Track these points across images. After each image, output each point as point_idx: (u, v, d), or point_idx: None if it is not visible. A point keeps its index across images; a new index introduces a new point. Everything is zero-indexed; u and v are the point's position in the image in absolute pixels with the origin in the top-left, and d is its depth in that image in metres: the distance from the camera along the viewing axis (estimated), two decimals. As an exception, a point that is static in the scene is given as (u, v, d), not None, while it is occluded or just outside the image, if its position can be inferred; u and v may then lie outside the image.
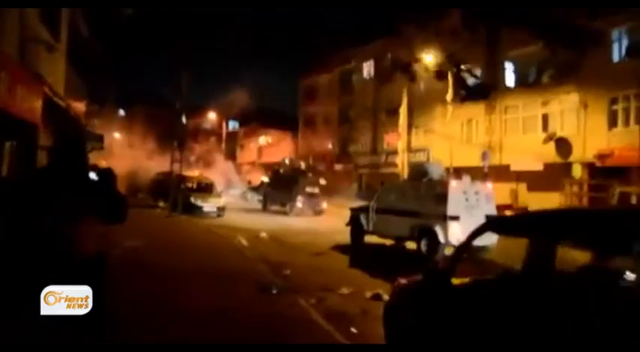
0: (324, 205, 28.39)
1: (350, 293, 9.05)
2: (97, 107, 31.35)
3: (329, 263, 12.47)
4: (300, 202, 27.18)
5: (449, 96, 29.96)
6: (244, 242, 14.38)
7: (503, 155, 29.71)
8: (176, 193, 23.20)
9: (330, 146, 50.53)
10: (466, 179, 14.16)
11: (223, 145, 68.83)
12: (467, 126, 32.96)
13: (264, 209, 29.67)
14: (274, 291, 8.37)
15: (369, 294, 8.80)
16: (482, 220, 12.34)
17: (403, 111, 35.59)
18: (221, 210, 24.03)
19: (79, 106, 23.48)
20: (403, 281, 5.54)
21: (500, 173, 29.00)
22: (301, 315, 7.15)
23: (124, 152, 48.15)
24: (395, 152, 37.34)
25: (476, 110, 31.67)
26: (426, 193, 13.94)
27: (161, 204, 23.12)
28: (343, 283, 9.60)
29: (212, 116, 69.75)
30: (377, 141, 42.97)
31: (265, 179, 36.46)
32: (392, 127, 39.10)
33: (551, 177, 25.38)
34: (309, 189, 28.28)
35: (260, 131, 66.12)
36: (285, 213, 27.26)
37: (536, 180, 26.72)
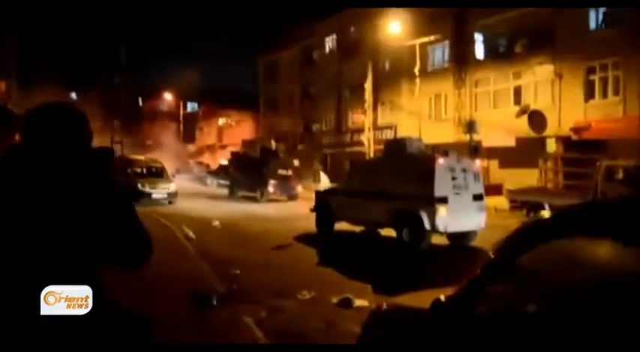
0: (299, 189, 26.09)
1: (311, 298, 7.27)
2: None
3: (289, 257, 10.69)
4: (272, 186, 24.84)
5: (416, 69, 28.18)
6: (190, 233, 12.41)
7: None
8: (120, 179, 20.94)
9: (292, 126, 48.58)
10: (452, 155, 12.17)
11: (181, 127, 66.09)
12: (435, 101, 31.43)
13: (231, 195, 26.90)
14: (214, 303, 6.50)
15: (335, 299, 7.05)
16: (469, 202, 11.42)
17: (368, 87, 33.79)
18: (172, 196, 21.96)
19: None
20: (387, 307, 3.48)
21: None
22: (243, 340, 5.30)
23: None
24: (361, 130, 35.65)
25: (444, 84, 30.15)
26: (406, 171, 11.94)
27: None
28: (304, 284, 7.82)
29: (168, 97, 66.80)
30: (341, 119, 41.18)
31: (224, 162, 34.25)
32: (357, 104, 37.36)
33: (524, 152, 24.07)
34: (281, 172, 25.88)
35: (220, 112, 63.71)
36: (255, 200, 24.73)
37: (509, 157, 25.44)
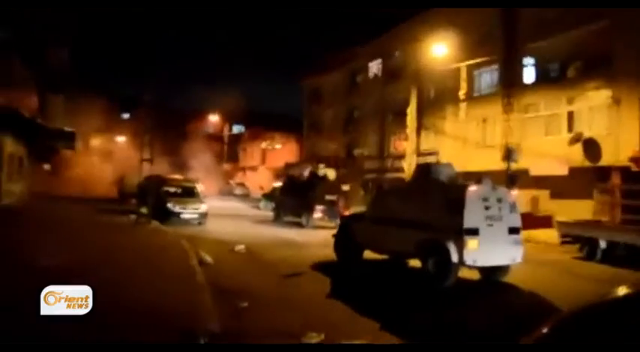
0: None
1: (319, 342, 6.25)
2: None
3: (303, 287, 9.68)
4: (318, 211, 23.43)
5: (462, 93, 26.94)
6: (207, 258, 11.58)
7: (523, 158, 26.67)
8: (153, 198, 20.57)
9: (335, 150, 47.91)
10: (487, 183, 11.15)
11: (225, 148, 66.64)
12: (481, 126, 29.98)
13: (276, 219, 25.54)
14: (201, 341, 5.59)
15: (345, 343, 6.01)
16: (504, 235, 10.66)
17: (411, 111, 32.83)
18: (202, 216, 21.35)
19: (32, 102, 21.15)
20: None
21: (519, 178, 26.13)
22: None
23: (125, 156, 46.12)
24: (403, 156, 34.54)
25: (492, 109, 28.74)
26: (435, 199, 11.09)
27: (143, 210, 20.47)
28: (313, 323, 6.84)
29: (214, 119, 67.73)
30: (384, 144, 40.13)
31: (277, 185, 33.15)
32: (400, 129, 36.39)
33: (577, 182, 22.42)
34: (329, 197, 24.44)
35: (264, 135, 63.93)
36: (300, 225, 23.40)
37: (561, 186, 23.73)
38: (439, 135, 33.02)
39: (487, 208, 10.59)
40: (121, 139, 64.22)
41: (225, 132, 68.15)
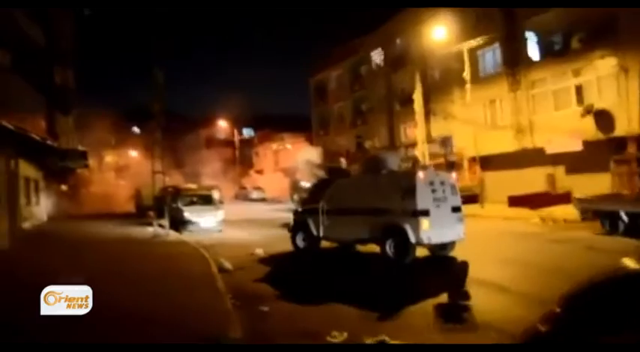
0: None
1: (344, 340, 6.24)
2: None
3: (322, 283, 9.66)
4: None
5: (465, 74, 26.70)
6: (227, 264, 11.61)
7: (535, 136, 26.41)
8: (170, 209, 20.66)
9: (345, 144, 47.85)
10: (431, 169, 13.18)
11: (237, 153, 66.87)
12: (490, 107, 29.72)
13: None
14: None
15: (369, 341, 5.98)
16: (449, 214, 11.87)
17: (418, 98, 32.61)
18: (220, 224, 21.40)
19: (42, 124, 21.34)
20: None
21: (533, 157, 25.95)
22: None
23: (140, 170, 46.44)
24: (414, 144, 34.35)
25: (498, 89, 28.49)
26: (389, 187, 12.10)
27: (161, 222, 20.58)
28: (335, 320, 6.83)
29: (223, 125, 68.01)
30: (394, 133, 39.95)
31: (304, 184, 31.65)
32: (408, 117, 36.21)
33: (592, 156, 22.14)
34: None
35: (274, 136, 64.00)
36: None
37: (576, 162, 23.51)
38: (449, 120, 32.80)
39: (433, 191, 11.68)
40: (133, 153, 64.71)
41: (236, 137, 68.38)
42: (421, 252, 12.03)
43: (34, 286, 5.84)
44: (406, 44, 37.18)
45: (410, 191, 11.41)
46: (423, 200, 11.33)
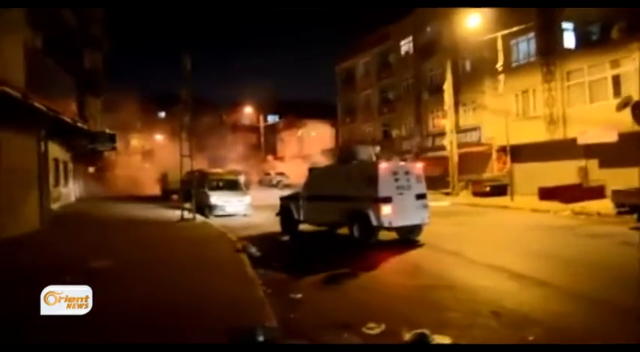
0: None
1: (381, 332, 6.06)
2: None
3: (360, 275, 9.46)
4: None
5: (499, 64, 26.05)
6: (254, 250, 11.50)
7: (568, 128, 25.78)
8: (197, 193, 20.67)
9: (371, 132, 47.49)
10: (396, 160, 14.56)
11: (262, 139, 66.90)
12: (522, 97, 29.07)
13: None
14: (259, 339, 5.47)
15: (407, 336, 5.78)
16: (413, 201, 12.98)
17: (448, 87, 32.03)
18: (246, 208, 21.39)
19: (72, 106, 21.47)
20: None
21: (565, 148, 25.34)
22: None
23: (166, 154, 46.83)
24: (442, 134, 33.86)
25: (532, 79, 27.84)
26: (356, 176, 13.32)
27: (187, 205, 20.64)
28: (368, 312, 6.66)
29: (249, 111, 68.01)
30: (421, 122, 39.44)
31: None
32: (437, 107, 35.73)
33: (628, 149, 21.44)
34: None
35: (299, 123, 63.82)
36: None
37: (610, 155, 22.85)
38: (478, 110, 32.23)
39: (397, 180, 12.75)
40: (159, 138, 65.27)
41: (261, 123, 68.39)
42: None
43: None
44: (437, 32, 36.55)
45: (373, 179, 12.50)
46: (384, 188, 12.43)
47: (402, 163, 14.08)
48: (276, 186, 46.81)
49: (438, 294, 7.78)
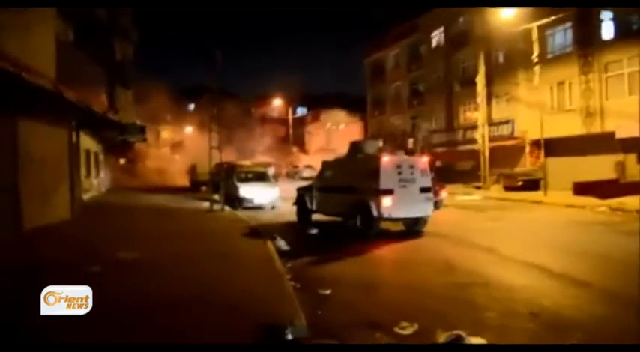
0: (444, 194, 20.25)
1: (414, 332, 5.81)
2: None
3: (391, 272, 9.23)
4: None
5: (535, 55, 25.29)
6: (283, 245, 11.33)
7: (605, 121, 25.01)
8: (225, 185, 20.67)
9: (401, 125, 46.96)
10: (400, 153, 14.57)
11: (290, 132, 66.79)
12: (558, 90, 28.30)
13: None
14: (288, 337, 5.29)
15: (442, 337, 5.52)
16: (416, 194, 13.32)
17: (480, 79, 31.38)
18: (275, 201, 21.31)
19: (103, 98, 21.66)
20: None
21: (601, 142, 24.62)
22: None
23: (194, 145, 47.23)
24: (474, 127, 33.21)
25: (568, 71, 27.08)
26: (361, 169, 13.76)
27: (216, 197, 20.69)
28: (400, 310, 6.42)
29: (278, 103, 67.99)
30: (452, 116, 38.79)
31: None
32: (469, 99, 35.07)
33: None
34: None
35: (328, 115, 63.55)
36: None
37: (650, 149, 22.04)
38: (512, 103, 31.50)
39: (400, 173, 13.06)
40: (188, 129, 65.82)
41: (289, 116, 68.29)
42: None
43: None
44: (470, 23, 35.82)
45: (375, 172, 12.84)
46: (386, 181, 12.77)
47: (407, 157, 14.40)
48: (304, 178, 46.78)
49: (472, 292, 7.48)
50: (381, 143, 16.47)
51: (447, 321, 6.01)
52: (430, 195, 13.71)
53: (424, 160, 14.31)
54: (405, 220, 13.68)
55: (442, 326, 5.73)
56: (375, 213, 12.77)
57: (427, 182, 13.64)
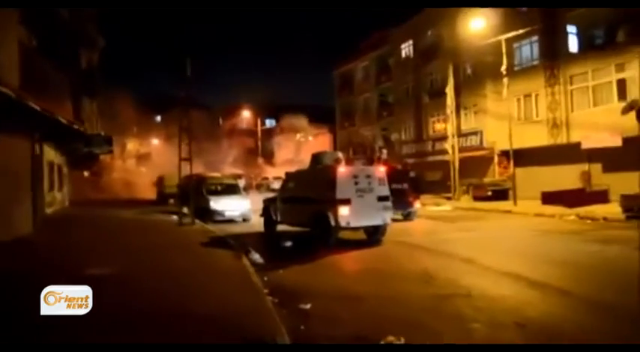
0: (417, 205, 21.34)
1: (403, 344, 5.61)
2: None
3: (371, 285, 9.00)
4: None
5: (504, 67, 25.62)
6: (258, 258, 11.02)
7: (572, 132, 25.50)
8: (194, 197, 20.17)
9: (370, 136, 47.10)
10: (357, 164, 15.73)
11: (259, 143, 66.39)
12: (525, 101, 28.79)
13: None
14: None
15: None
16: (374, 202, 13.65)
17: (450, 90, 31.72)
18: (246, 213, 20.92)
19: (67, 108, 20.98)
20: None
21: (568, 153, 25.09)
22: None
23: (161, 158, 46.40)
24: (443, 138, 33.49)
25: (534, 83, 27.57)
26: (319, 180, 14.07)
27: (185, 210, 20.18)
28: (384, 323, 6.21)
29: (247, 114, 67.60)
30: (422, 127, 39.06)
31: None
32: (438, 110, 35.36)
33: (632, 153, 21.11)
34: (395, 185, 20.62)
35: (297, 127, 63.37)
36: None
37: (614, 159, 22.63)
38: (480, 114, 31.92)
39: (357, 183, 13.40)
40: (155, 141, 64.79)
41: (259, 127, 67.92)
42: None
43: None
44: (438, 35, 36.24)
45: (332, 183, 13.15)
46: (343, 190, 13.07)
47: (363, 167, 15.32)
48: (274, 190, 46.38)
49: (456, 303, 7.31)
50: (340, 154, 16.72)
51: (434, 333, 5.85)
52: (388, 203, 14.04)
53: (381, 170, 14.66)
54: (364, 229, 13.99)
55: (429, 339, 5.56)
56: (332, 222, 13.02)
57: (385, 191, 14.00)
